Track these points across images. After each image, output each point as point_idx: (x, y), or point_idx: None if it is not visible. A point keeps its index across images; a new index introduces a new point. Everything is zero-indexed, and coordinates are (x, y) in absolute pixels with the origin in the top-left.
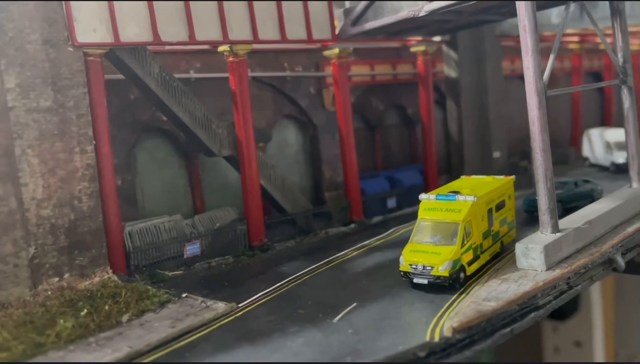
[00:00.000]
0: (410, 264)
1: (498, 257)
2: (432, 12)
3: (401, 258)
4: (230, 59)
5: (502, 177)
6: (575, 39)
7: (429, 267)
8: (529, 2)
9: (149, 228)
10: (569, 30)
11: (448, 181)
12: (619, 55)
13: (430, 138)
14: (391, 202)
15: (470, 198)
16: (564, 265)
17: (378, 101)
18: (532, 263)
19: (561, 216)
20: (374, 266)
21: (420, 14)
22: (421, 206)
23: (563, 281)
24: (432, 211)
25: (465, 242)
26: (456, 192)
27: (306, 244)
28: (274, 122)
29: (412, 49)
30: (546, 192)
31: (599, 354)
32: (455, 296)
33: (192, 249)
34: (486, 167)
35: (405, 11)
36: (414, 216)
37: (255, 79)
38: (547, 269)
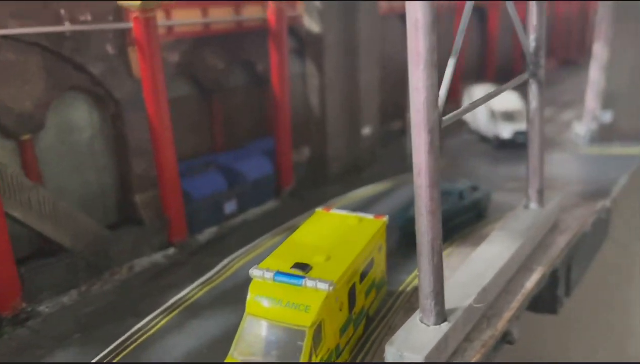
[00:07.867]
0: None
1: (359, 340)
2: None
3: None
4: None
5: (370, 217)
6: None
7: None
8: None
9: None
10: None
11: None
12: (531, 38)
13: (283, 111)
14: (230, 207)
15: (324, 286)
16: None
17: (216, 57)
18: None
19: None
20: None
21: None
22: (251, 289)
23: None
24: (266, 302)
25: (314, 356)
26: (304, 267)
27: (95, 295)
28: (48, 101)
29: None
30: (432, 269)
31: None
32: None
33: None
34: (353, 147)
35: None
36: (260, 226)
37: (9, 37)
38: None
